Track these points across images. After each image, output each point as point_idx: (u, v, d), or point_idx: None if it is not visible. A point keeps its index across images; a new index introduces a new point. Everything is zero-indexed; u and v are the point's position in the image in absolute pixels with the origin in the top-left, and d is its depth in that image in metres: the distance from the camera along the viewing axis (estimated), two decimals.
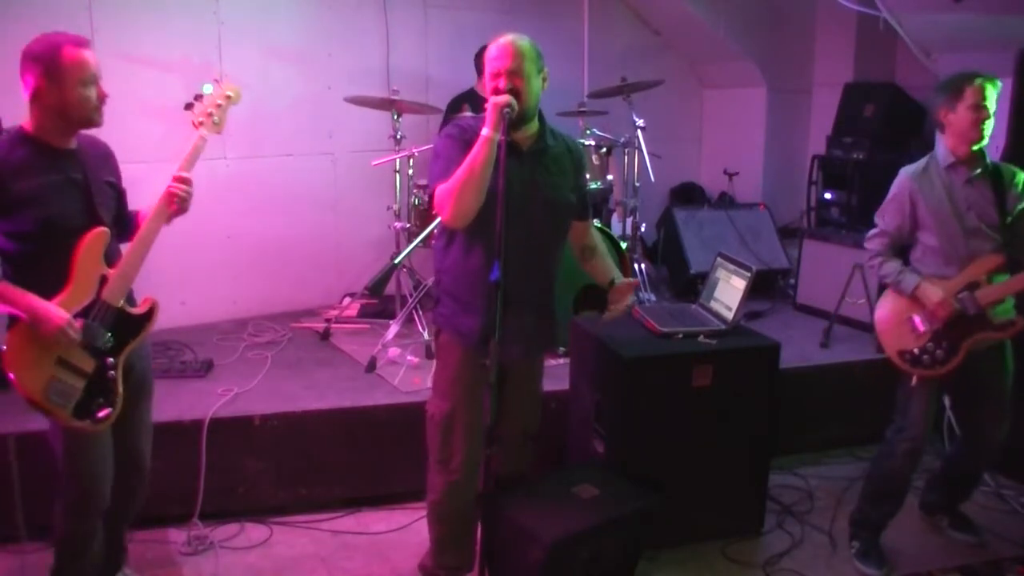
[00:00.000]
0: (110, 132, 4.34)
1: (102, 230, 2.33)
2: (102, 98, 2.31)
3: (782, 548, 3.15)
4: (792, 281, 5.14)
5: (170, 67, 4.40)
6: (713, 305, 3.38)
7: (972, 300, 2.81)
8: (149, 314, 2.44)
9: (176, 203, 2.41)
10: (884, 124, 5.26)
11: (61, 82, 2.22)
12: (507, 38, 2.48)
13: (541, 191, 2.53)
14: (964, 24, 4.18)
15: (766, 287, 5.12)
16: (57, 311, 2.20)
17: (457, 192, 2.39)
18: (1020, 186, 2.91)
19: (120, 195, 2.53)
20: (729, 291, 3.30)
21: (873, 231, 3.03)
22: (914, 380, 2.90)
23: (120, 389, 2.35)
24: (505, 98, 2.38)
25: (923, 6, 4.35)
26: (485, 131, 2.37)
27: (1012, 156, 3.75)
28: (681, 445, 3.05)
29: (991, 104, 2.80)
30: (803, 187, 5.67)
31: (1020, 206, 2.89)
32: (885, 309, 3.00)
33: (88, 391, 2.27)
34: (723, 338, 3.14)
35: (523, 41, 2.49)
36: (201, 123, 2.50)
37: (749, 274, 3.21)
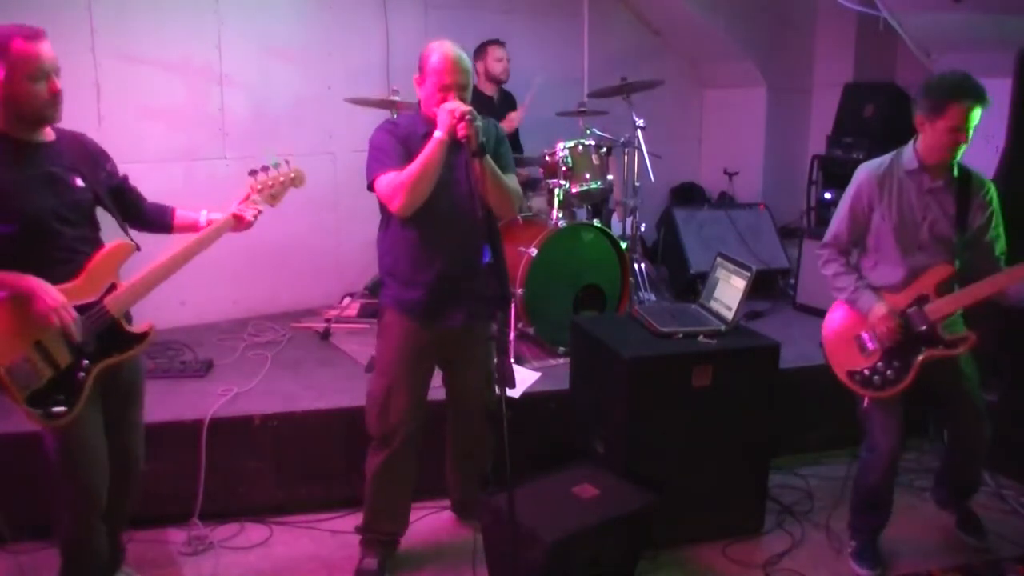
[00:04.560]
0: (111, 132, 4.37)
1: (128, 244, 2.39)
2: (55, 93, 2.23)
3: (782, 548, 3.15)
4: (792, 281, 5.14)
5: (170, 67, 4.40)
6: (713, 305, 3.38)
7: (921, 315, 2.73)
8: (143, 336, 2.44)
9: (248, 223, 2.57)
10: (884, 124, 5.26)
11: (10, 74, 2.16)
12: (455, 50, 2.65)
13: (468, 174, 2.63)
14: (964, 24, 4.18)
15: (766, 287, 5.12)
16: (56, 293, 2.20)
17: (410, 186, 2.57)
18: (987, 197, 2.78)
19: (119, 186, 2.52)
20: (729, 291, 3.30)
21: (827, 236, 2.91)
22: (865, 402, 2.84)
23: (84, 395, 2.30)
24: (467, 107, 2.54)
25: (923, 6, 4.35)
26: (438, 134, 2.55)
27: (1012, 156, 3.75)
28: (681, 445, 3.05)
29: (971, 126, 2.62)
30: (803, 187, 5.67)
31: (982, 220, 2.78)
32: (833, 324, 2.91)
33: (51, 383, 2.25)
34: (723, 338, 3.14)
35: (466, 55, 2.69)
36: (259, 191, 2.58)
37: (749, 274, 3.21)
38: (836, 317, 2.94)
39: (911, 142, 2.81)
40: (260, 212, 2.58)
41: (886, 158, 2.84)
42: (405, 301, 2.78)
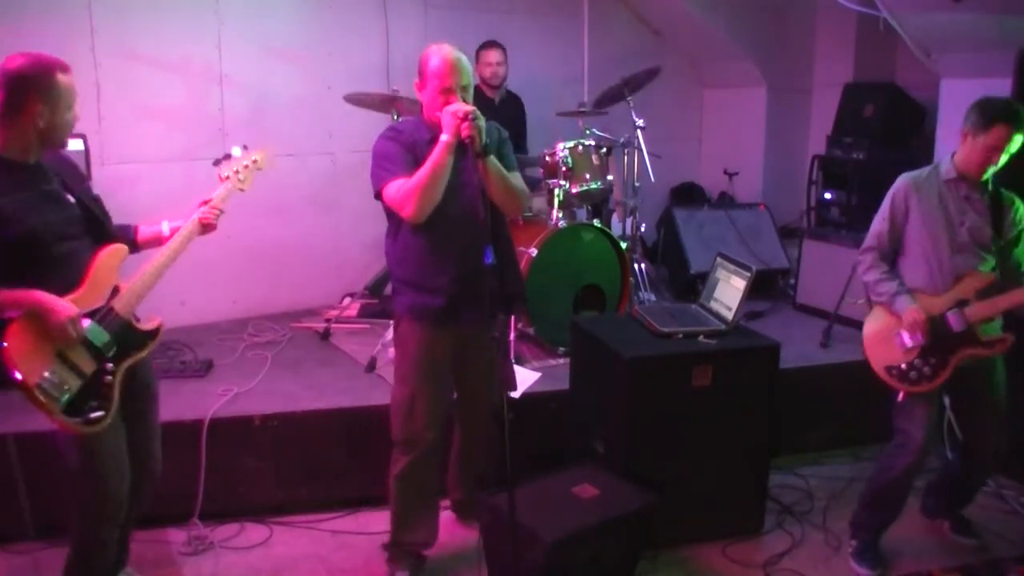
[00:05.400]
0: (111, 132, 4.37)
1: (122, 247, 2.43)
2: (75, 122, 2.37)
3: (782, 548, 3.15)
4: (792, 281, 5.14)
5: (170, 67, 4.40)
6: (713, 305, 3.38)
7: (961, 317, 2.82)
8: (155, 332, 2.49)
9: (211, 226, 2.56)
10: (884, 124, 5.26)
11: (55, 106, 2.25)
12: (454, 52, 2.65)
13: (478, 177, 2.62)
14: (964, 24, 4.18)
15: (766, 287, 5.13)
16: (66, 304, 2.23)
17: (420, 192, 2.56)
18: (1017, 214, 2.89)
19: (95, 199, 2.54)
20: (729, 291, 3.30)
21: (867, 241, 3.01)
22: (900, 396, 2.89)
23: (116, 397, 2.35)
24: (470, 107, 2.54)
25: (923, 6, 4.35)
26: (445, 137, 2.54)
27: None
28: (681, 445, 3.05)
29: (1010, 150, 2.74)
30: (803, 187, 5.67)
31: (1013, 234, 2.89)
32: (874, 324, 2.99)
33: (82, 392, 2.27)
34: (723, 338, 3.14)
35: (465, 57, 2.68)
36: (227, 178, 2.61)
37: (749, 274, 3.21)
38: (878, 316, 3.00)
39: (949, 156, 2.92)
40: (222, 212, 2.59)
41: (926, 168, 2.97)
42: (421, 308, 2.76)
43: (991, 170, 2.81)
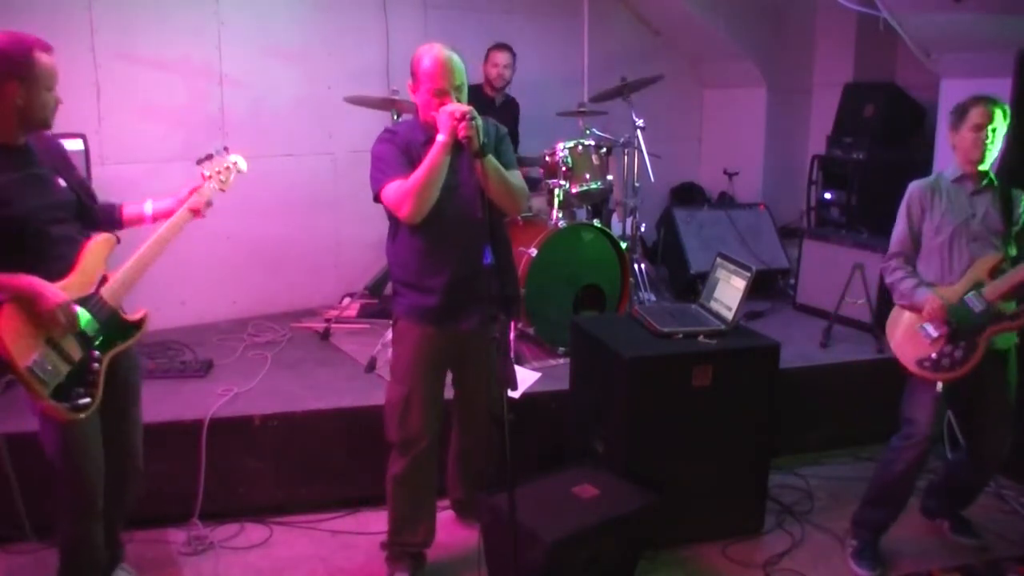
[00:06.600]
0: (111, 132, 4.37)
1: (111, 236, 2.45)
2: (58, 104, 2.35)
3: (782, 548, 3.15)
4: (792, 281, 5.14)
5: (170, 67, 4.40)
6: (713, 305, 3.38)
7: (980, 298, 2.85)
8: (140, 322, 2.51)
9: (200, 214, 2.60)
10: (884, 124, 5.26)
11: (31, 86, 2.24)
12: (445, 52, 2.64)
13: (475, 177, 2.60)
14: (964, 24, 4.18)
15: (766, 287, 5.13)
16: (57, 291, 2.24)
17: (417, 192, 2.57)
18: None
19: (84, 185, 2.54)
20: (729, 291, 3.30)
21: (891, 248, 3.07)
22: (939, 387, 2.90)
23: (101, 384, 2.36)
24: (467, 107, 2.54)
25: (923, 6, 4.35)
26: (441, 137, 2.54)
27: (1011, 156, 3.75)
28: (681, 445, 3.05)
29: (995, 125, 2.85)
30: (803, 187, 5.67)
31: (1021, 226, 2.94)
32: (897, 325, 3.02)
33: (70, 377, 2.29)
34: (723, 338, 3.14)
35: (457, 55, 2.67)
36: (210, 177, 2.65)
37: (749, 274, 3.21)
38: (898, 317, 3.03)
39: (951, 163, 3.02)
40: (211, 204, 2.63)
41: (932, 176, 3.06)
42: (420, 308, 2.77)
43: (988, 155, 2.88)
